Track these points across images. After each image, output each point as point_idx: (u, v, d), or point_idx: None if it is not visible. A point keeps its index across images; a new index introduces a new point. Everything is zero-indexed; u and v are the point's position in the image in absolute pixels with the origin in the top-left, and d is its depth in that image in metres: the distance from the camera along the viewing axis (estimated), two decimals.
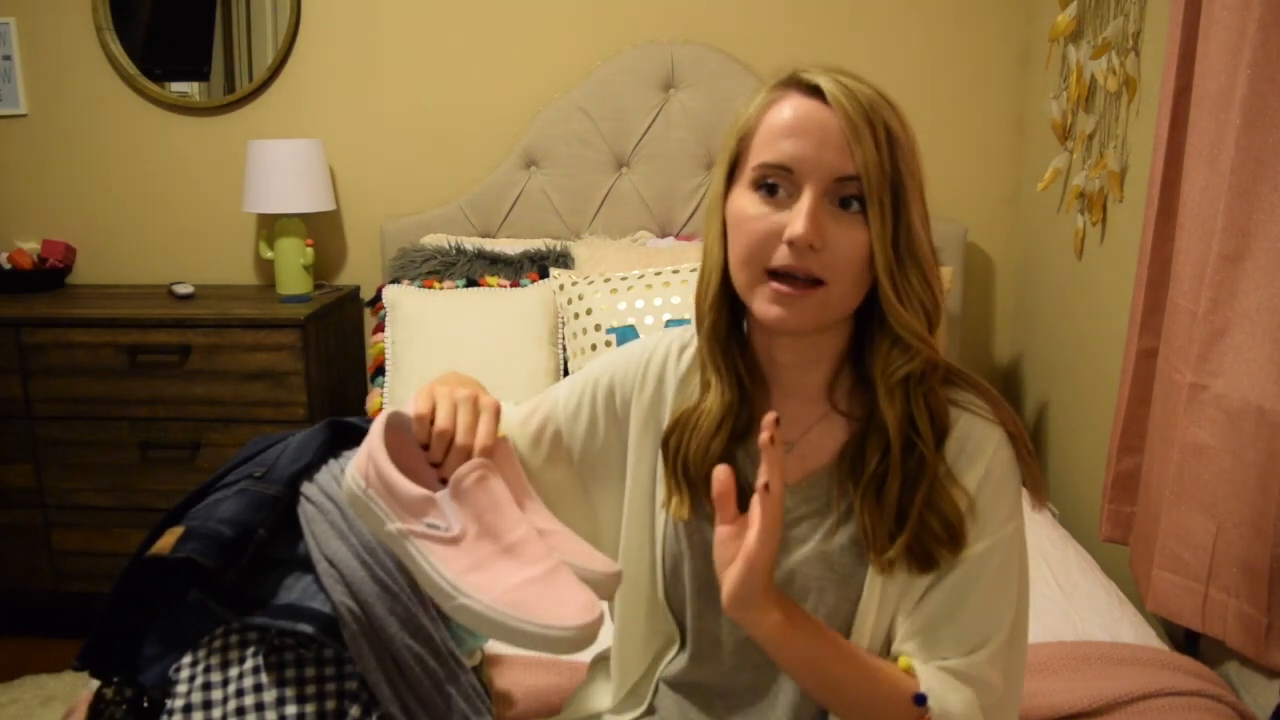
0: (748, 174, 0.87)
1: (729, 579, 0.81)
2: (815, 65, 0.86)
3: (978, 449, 0.89)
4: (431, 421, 0.86)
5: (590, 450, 1.03)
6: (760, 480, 0.78)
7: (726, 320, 0.92)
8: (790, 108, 0.85)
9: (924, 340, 0.85)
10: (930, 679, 0.86)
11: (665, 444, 0.95)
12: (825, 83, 0.83)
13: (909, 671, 0.87)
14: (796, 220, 0.82)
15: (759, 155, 0.85)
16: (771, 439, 0.76)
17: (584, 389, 1.03)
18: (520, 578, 0.80)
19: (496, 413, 0.88)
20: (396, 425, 0.88)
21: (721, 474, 0.81)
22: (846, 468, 0.90)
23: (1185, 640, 1.60)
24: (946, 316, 2.38)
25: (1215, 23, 1.41)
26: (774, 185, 0.84)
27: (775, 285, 0.84)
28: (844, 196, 0.83)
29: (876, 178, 0.81)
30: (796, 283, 0.83)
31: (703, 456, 0.92)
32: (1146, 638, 1.48)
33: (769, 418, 0.77)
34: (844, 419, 0.93)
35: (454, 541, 0.82)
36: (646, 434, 1.00)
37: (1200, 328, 1.41)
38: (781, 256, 0.83)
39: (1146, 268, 1.64)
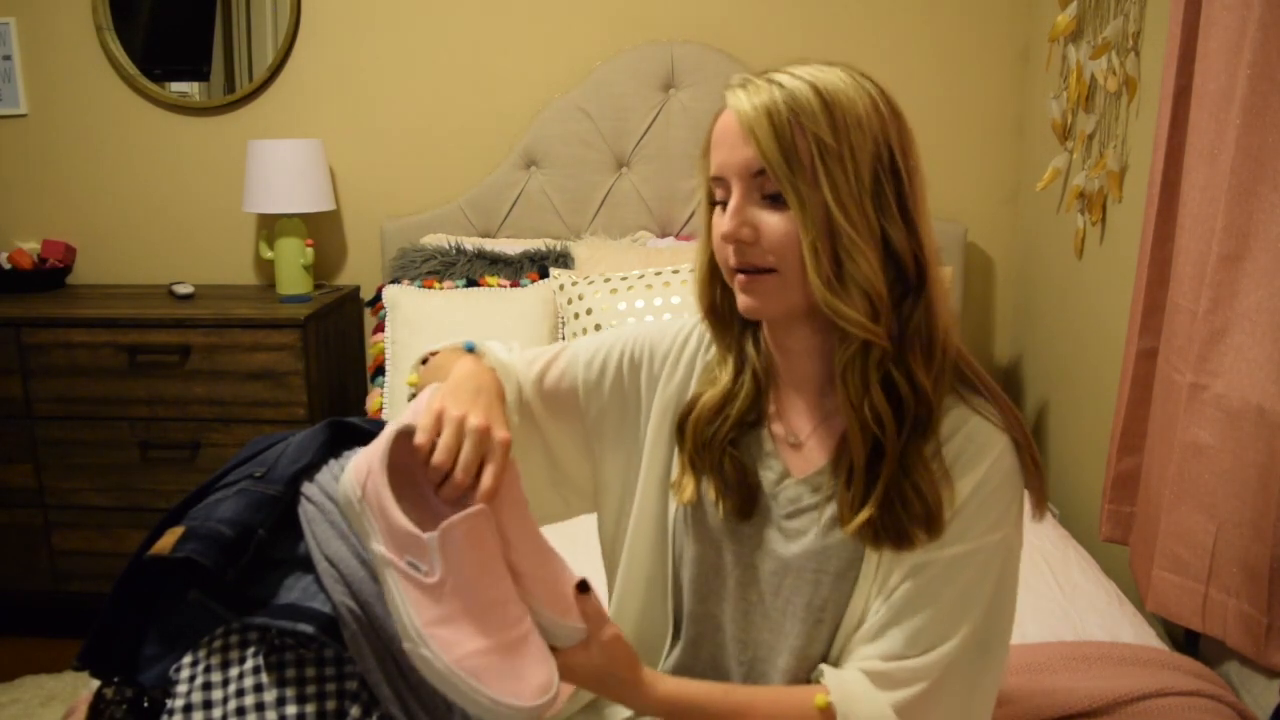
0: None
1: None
2: (771, 68, 0.89)
3: (980, 453, 0.89)
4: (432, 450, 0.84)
5: (605, 413, 1.04)
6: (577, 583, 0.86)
7: (722, 300, 0.97)
8: (721, 118, 0.90)
9: (861, 325, 0.85)
10: (843, 684, 0.88)
11: (679, 427, 0.98)
12: (738, 90, 0.88)
13: (823, 708, 0.88)
14: (723, 219, 0.88)
15: (708, 172, 0.92)
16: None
17: (610, 351, 1.05)
18: (485, 643, 0.80)
19: (506, 449, 0.85)
20: (406, 435, 0.87)
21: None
22: (842, 462, 0.92)
23: (1185, 640, 1.60)
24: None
25: (1215, 23, 1.41)
26: (722, 199, 0.90)
27: (739, 276, 0.90)
28: (767, 192, 0.87)
29: (779, 166, 0.84)
30: (749, 272, 0.89)
31: (709, 439, 0.95)
32: (1146, 638, 1.48)
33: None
34: (853, 414, 0.93)
35: (431, 589, 0.81)
36: (666, 419, 1.01)
37: (1200, 328, 1.41)
38: (729, 257, 0.89)
39: (1146, 268, 1.64)
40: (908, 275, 0.87)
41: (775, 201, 0.86)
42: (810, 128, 0.83)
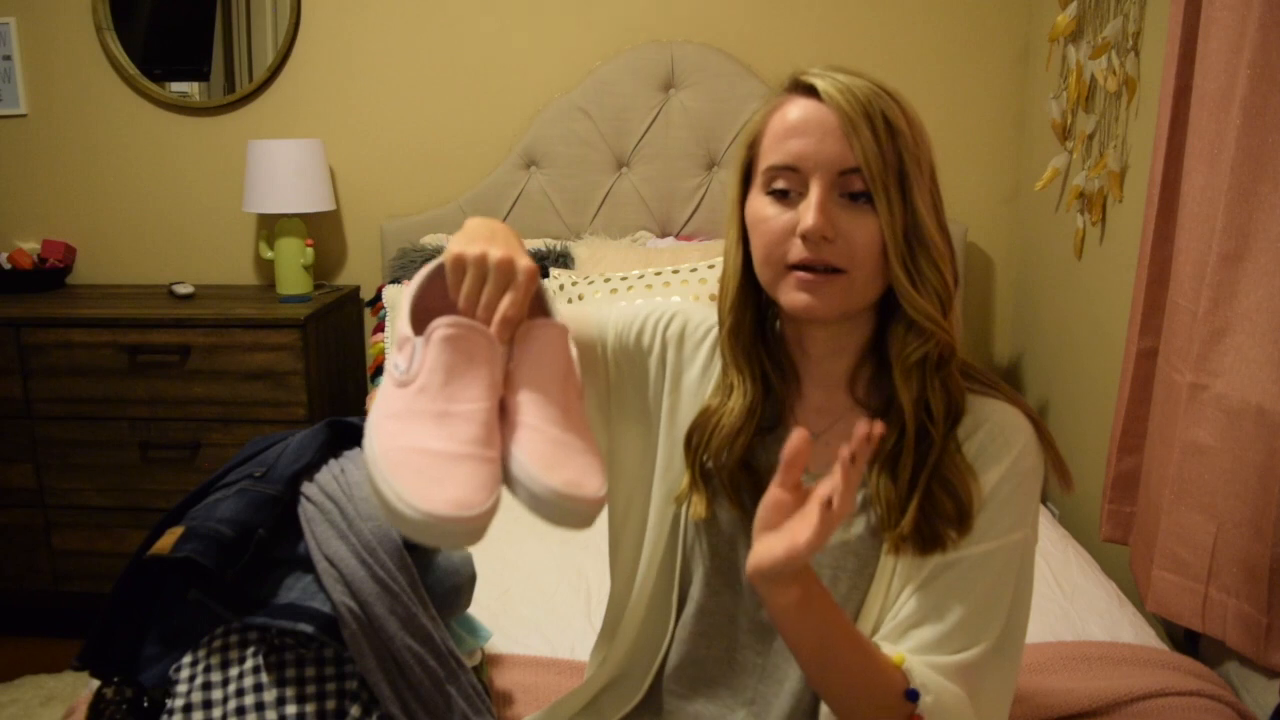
0: (759, 178, 0.90)
1: (765, 554, 0.79)
2: (818, 66, 0.89)
3: (1006, 445, 0.90)
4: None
5: (630, 379, 1.03)
6: (825, 492, 0.75)
7: (750, 321, 0.95)
8: (793, 110, 0.88)
9: (938, 324, 0.87)
10: (923, 675, 0.86)
11: (688, 441, 0.97)
12: (820, 82, 0.86)
13: (901, 666, 0.87)
14: (807, 214, 0.85)
15: (767, 159, 0.89)
16: (853, 458, 0.74)
17: (647, 319, 1.03)
18: (425, 444, 0.73)
19: (532, 277, 0.80)
20: (440, 276, 0.84)
21: (798, 439, 0.79)
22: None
23: (1185, 640, 1.60)
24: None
25: (1215, 23, 1.41)
26: (784, 189, 0.88)
27: (799, 274, 0.87)
28: (851, 190, 0.86)
29: (878, 167, 0.84)
30: (818, 271, 0.86)
31: (724, 456, 0.94)
32: (1146, 638, 1.48)
33: (857, 436, 0.74)
34: (866, 411, 0.94)
35: (402, 384, 0.77)
36: (695, 403, 1.00)
37: (1200, 328, 1.41)
38: (798, 251, 0.86)
39: (1146, 268, 1.64)
40: (950, 282, 0.90)
41: (855, 200, 0.85)
42: (901, 131, 0.85)
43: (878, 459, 0.90)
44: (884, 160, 0.84)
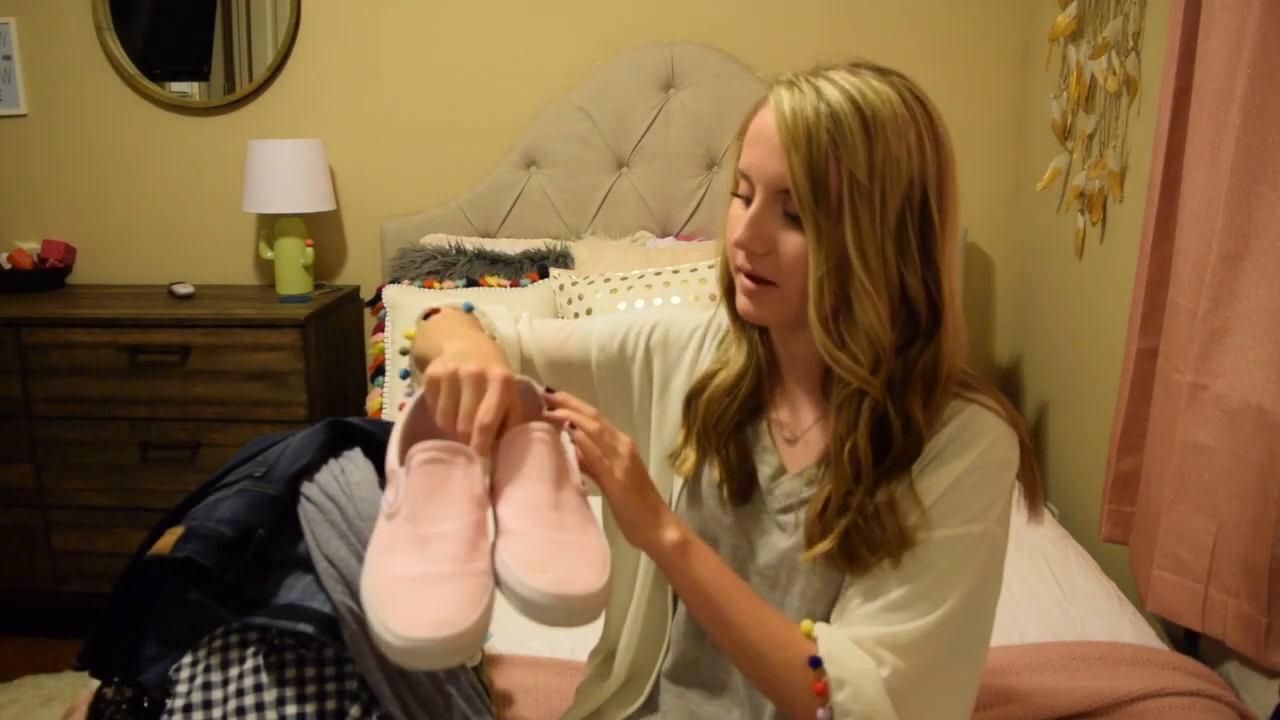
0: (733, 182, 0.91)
1: (611, 509, 0.86)
2: (824, 65, 0.87)
3: (974, 437, 0.88)
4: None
5: (614, 390, 1.05)
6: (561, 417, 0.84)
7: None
8: (763, 114, 0.87)
9: (851, 372, 0.84)
10: (833, 644, 0.84)
11: (688, 402, 0.99)
12: (784, 91, 0.84)
13: (809, 635, 0.86)
14: (737, 225, 0.87)
15: (738, 161, 0.90)
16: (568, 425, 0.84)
17: (629, 330, 1.06)
18: (407, 571, 0.74)
19: (506, 384, 0.79)
20: (423, 405, 0.85)
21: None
22: (827, 465, 0.92)
23: (1185, 640, 1.60)
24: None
25: (1215, 23, 1.41)
26: (745, 194, 0.88)
27: (742, 280, 0.90)
28: (788, 210, 0.85)
29: (804, 192, 0.81)
30: (755, 280, 0.88)
31: (717, 417, 0.96)
32: (1146, 638, 1.48)
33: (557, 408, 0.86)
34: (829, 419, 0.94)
35: (390, 516, 0.78)
36: (675, 404, 1.02)
37: (1200, 328, 1.41)
38: (739, 258, 0.89)
39: (1146, 267, 1.64)
40: (920, 318, 0.85)
41: (795, 221, 0.84)
42: (846, 162, 0.80)
43: (822, 487, 0.89)
44: (815, 188, 0.81)
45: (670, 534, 0.86)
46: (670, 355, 1.04)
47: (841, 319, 0.84)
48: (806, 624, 0.87)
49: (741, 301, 0.90)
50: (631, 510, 0.86)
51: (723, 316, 1.01)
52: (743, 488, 0.96)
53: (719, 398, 0.97)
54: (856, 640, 0.85)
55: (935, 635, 0.85)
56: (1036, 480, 0.92)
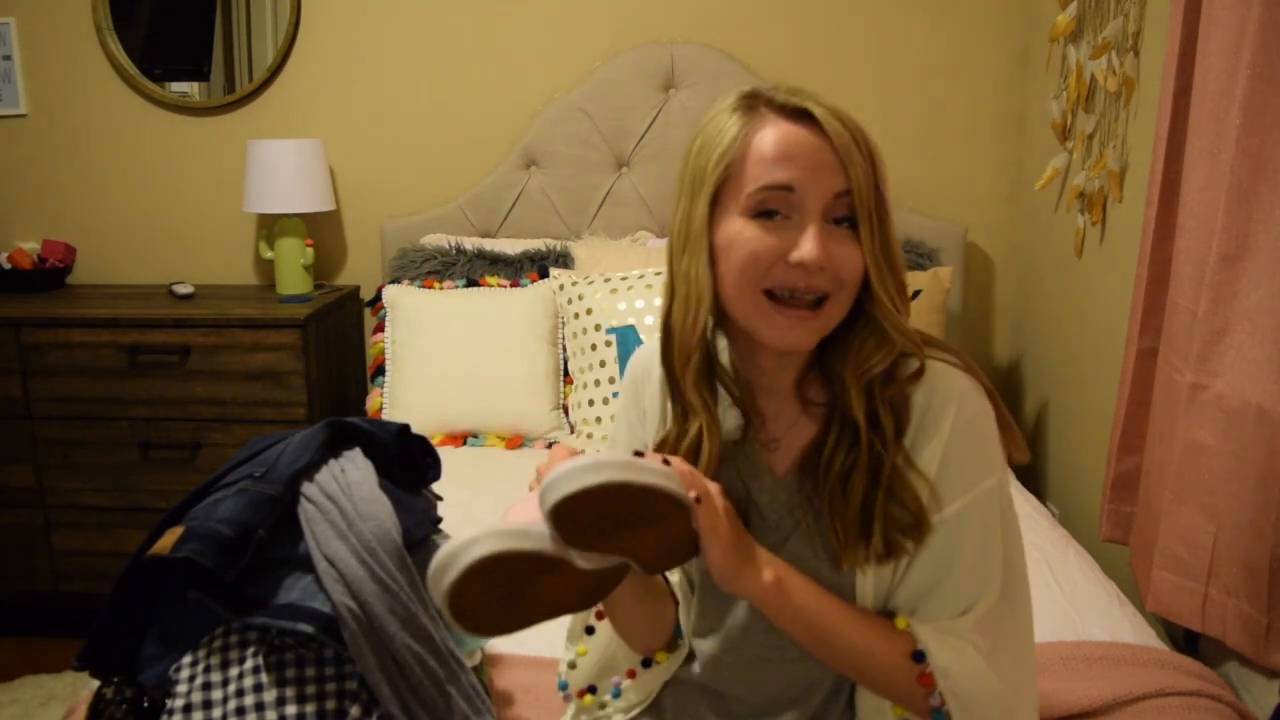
0: (741, 201, 0.87)
1: (707, 563, 0.84)
2: (780, 87, 0.90)
3: (945, 400, 0.90)
4: None
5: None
6: (692, 496, 0.81)
7: (703, 362, 0.92)
8: (777, 133, 0.87)
9: (911, 338, 0.90)
10: (928, 637, 0.89)
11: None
12: (815, 108, 0.87)
13: (906, 630, 0.90)
14: (806, 243, 0.85)
15: (755, 181, 0.86)
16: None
17: (625, 390, 1.08)
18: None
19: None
20: None
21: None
22: (814, 460, 0.93)
23: (1185, 640, 1.60)
24: (947, 316, 2.38)
25: (1215, 23, 1.41)
26: (772, 210, 0.86)
27: (789, 310, 0.87)
28: (837, 216, 0.87)
29: (867, 194, 0.86)
30: (804, 305, 0.87)
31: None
32: (1146, 638, 1.48)
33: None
34: (817, 410, 0.95)
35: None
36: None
37: (1200, 328, 1.41)
38: (783, 277, 0.86)
39: (1146, 267, 1.64)
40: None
41: (839, 225, 0.87)
42: (880, 158, 0.88)
43: (830, 478, 0.90)
44: (871, 187, 0.87)
45: (766, 575, 0.86)
46: (648, 389, 1.04)
47: (896, 302, 0.90)
48: (901, 620, 0.90)
49: (788, 336, 0.87)
50: (730, 566, 0.84)
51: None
52: (741, 510, 0.95)
53: (688, 459, 0.93)
54: (953, 632, 0.89)
55: (1005, 596, 0.91)
56: (1006, 418, 0.94)
